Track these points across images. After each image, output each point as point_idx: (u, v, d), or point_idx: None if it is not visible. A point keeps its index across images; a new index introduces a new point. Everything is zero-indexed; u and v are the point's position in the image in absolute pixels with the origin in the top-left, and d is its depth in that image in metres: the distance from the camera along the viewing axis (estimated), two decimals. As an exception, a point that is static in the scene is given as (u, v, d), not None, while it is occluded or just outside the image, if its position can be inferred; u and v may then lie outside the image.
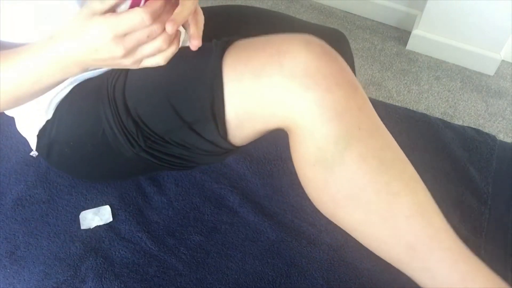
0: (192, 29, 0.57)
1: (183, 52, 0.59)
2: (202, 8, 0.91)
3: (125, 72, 0.67)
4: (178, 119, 0.62)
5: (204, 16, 0.87)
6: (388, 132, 0.61)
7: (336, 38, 0.90)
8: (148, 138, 0.66)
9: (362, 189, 0.58)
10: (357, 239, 0.64)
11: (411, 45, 1.85)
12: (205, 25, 0.87)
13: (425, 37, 1.80)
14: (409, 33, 1.85)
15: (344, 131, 0.56)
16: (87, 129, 0.70)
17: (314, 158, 0.59)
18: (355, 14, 1.99)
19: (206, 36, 0.85)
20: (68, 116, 0.72)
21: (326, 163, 0.58)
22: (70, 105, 0.72)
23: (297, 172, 0.65)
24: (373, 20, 1.97)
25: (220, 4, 1.80)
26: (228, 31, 0.85)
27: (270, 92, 0.57)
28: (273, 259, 0.74)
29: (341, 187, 0.59)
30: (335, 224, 0.77)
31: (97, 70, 0.72)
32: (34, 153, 0.84)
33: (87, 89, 0.71)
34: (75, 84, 0.72)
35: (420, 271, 0.60)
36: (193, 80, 0.60)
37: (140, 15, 0.47)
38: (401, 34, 1.92)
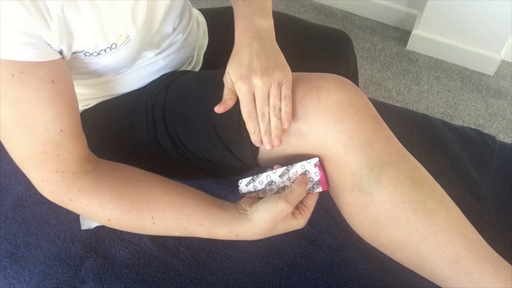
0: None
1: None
2: (207, 10, 0.92)
3: (165, 89, 0.70)
4: (217, 139, 0.66)
5: (210, 18, 0.89)
6: (412, 156, 0.65)
7: (340, 39, 0.90)
8: (182, 155, 0.69)
9: (401, 209, 0.61)
10: (400, 261, 0.66)
11: (411, 45, 1.85)
12: (213, 26, 0.88)
13: (425, 37, 1.80)
14: (409, 33, 1.85)
15: (377, 157, 0.61)
16: (116, 139, 0.72)
17: (351, 183, 0.62)
18: (355, 14, 1.99)
19: (217, 37, 0.86)
20: (95, 126, 0.73)
21: (364, 187, 0.61)
22: (98, 115, 0.73)
23: (335, 199, 0.68)
24: (373, 20, 1.97)
25: (220, 4, 1.80)
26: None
27: (306, 121, 0.62)
28: (273, 260, 0.74)
29: (381, 209, 0.62)
30: (335, 225, 0.77)
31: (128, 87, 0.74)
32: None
33: (120, 102, 0.73)
34: (103, 99, 0.74)
35: (466, 284, 0.61)
36: (238, 105, 0.64)
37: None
38: (401, 34, 1.92)
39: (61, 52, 0.56)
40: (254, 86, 0.61)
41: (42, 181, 0.59)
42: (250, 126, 0.62)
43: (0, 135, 0.57)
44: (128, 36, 0.60)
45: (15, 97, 0.52)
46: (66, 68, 0.57)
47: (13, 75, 0.50)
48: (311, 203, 0.64)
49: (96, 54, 0.59)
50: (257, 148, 0.65)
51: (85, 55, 0.59)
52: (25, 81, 0.51)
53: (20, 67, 0.51)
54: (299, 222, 0.62)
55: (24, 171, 0.60)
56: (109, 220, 0.61)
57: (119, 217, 0.61)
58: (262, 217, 0.60)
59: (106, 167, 0.63)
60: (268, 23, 0.66)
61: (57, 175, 0.58)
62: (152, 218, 0.61)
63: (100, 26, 0.57)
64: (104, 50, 0.59)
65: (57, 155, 0.57)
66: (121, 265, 0.72)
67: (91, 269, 0.71)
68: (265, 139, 0.62)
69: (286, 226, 0.62)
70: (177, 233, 0.63)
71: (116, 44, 0.60)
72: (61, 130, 0.56)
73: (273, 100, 0.61)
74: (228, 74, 0.63)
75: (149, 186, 0.62)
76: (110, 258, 0.73)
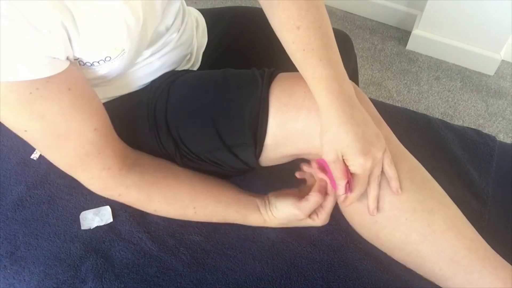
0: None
1: (228, 78, 0.67)
2: (207, 10, 0.92)
3: (166, 90, 0.70)
4: (220, 141, 0.66)
5: (210, 18, 0.89)
6: (412, 156, 0.65)
7: (340, 39, 0.90)
8: (185, 156, 0.69)
9: (399, 209, 0.61)
10: (400, 260, 0.66)
11: (411, 45, 1.85)
12: (213, 26, 0.88)
13: (425, 37, 1.80)
14: (409, 33, 1.85)
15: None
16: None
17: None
18: (355, 14, 1.99)
19: (216, 36, 0.86)
20: None
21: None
22: None
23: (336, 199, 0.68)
24: (373, 20, 1.98)
25: (220, 4, 1.80)
26: (236, 30, 0.87)
27: (308, 122, 0.62)
28: (273, 260, 0.74)
29: (381, 209, 0.62)
30: (335, 225, 0.77)
31: (129, 88, 0.74)
32: (35, 155, 0.84)
33: (120, 104, 0.73)
34: (103, 102, 0.74)
35: (465, 284, 0.61)
36: (240, 107, 0.64)
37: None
38: (401, 34, 1.92)
39: (68, 58, 0.56)
40: (376, 159, 0.58)
41: (92, 178, 0.64)
42: (369, 200, 0.62)
43: (40, 149, 0.60)
44: (123, 49, 0.60)
45: (41, 111, 0.54)
46: (77, 70, 0.58)
47: (31, 93, 0.52)
48: (329, 204, 0.67)
49: (89, 64, 0.59)
50: (260, 149, 0.65)
51: (80, 64, 0.59)
52: (43, 95, 0.53)
53: (34, 84, 0.52)
54: (316, 223, 0.68)
55: (72, 175, 0.64)
56: (155, 210, 0.69)
57: (164, 208, 0.69)
58: (278, 216, 0.69)
59: (146, 161, 0.68)
60: (352, 89, 0.61)
61: (105, 172, 0.63)
62: (194, 208, 0.69)
63: (96, 39, 0.56)
64: (98, 62, 0.59)
65: (99, 153, 0.61)
66: (121, 265, 0.72)
67: (91, 269, 0.71)
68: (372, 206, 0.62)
69: (302, 223, 0.70)
70: (215, 220, 0.72)
71: (110, 57, 0.60)
72: (95, 129, 0.59)
73: (378, 168, 0.60)
74: (332, 149, 0.59)
75: (189, 180, 0.69)
76: (110, 258, 0.73)
